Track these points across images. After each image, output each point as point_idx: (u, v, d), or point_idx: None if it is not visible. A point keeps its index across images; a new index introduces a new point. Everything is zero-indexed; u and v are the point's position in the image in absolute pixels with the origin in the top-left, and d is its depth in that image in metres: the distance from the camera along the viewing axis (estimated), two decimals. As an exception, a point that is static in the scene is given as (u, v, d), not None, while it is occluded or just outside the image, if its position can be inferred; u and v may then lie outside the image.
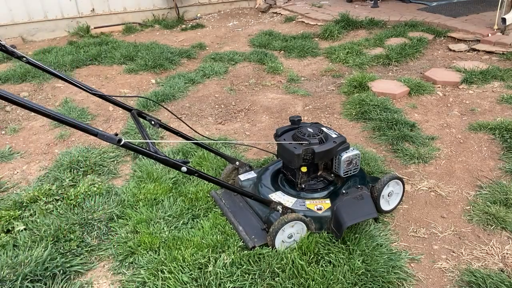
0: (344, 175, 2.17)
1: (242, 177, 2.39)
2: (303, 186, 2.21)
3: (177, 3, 7.12)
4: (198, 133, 2.52)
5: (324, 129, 2.23)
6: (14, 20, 6.13)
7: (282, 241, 1.99)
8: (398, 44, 5.00)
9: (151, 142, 1.78)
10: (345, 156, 2.13)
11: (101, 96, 1.99)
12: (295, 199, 2.15)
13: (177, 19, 7.11)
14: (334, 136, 2.19)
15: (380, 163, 2.78)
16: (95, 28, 6.62)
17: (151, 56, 4.85)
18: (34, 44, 6.16)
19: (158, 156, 1.75)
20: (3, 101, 1.41)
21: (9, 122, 3.61)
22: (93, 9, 6.69)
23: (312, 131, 2.16)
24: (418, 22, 5.70)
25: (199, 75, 4.50)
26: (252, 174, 2.42)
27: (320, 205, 2.10)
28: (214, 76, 4.50)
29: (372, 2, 6.96)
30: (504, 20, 4.95)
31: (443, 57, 4.77)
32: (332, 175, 2.26)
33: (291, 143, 2.12)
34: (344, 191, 2.13)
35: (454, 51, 4.89)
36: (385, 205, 2.29)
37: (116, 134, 1.54)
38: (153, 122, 2.05)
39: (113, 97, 2.05)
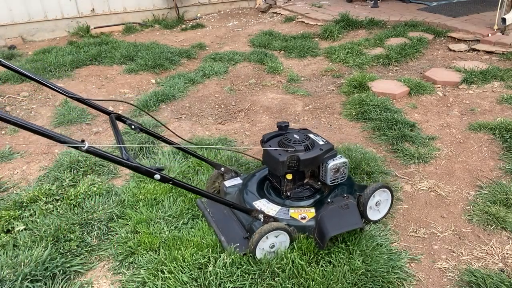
0: (331, 183, 2.13)
1: (228, 183, 2.33)
2: (289, 194, 2.16)
3: (177, 3, 7.12)
4: (182, 138, 2.43)
5: (311, 135, 2.18)
6: (14, 20, 6.13)
7: (263, 248, 1.93)
8: (398, 44, 5.00)
9: (123, 147, 1.69)
10: (331, 164, 2.08)
11: (79, 100, 1.92)
12: (280, 207, 2.10)
13: (177, 19, 7.11)
14: (321, 143, 2.14)
15: (380, 163, 2.78)
16: (95, 28, 6.63)
17: (151, 56, 4.85)
18: (34, 44, 6.16)
19: (129, 163, 1.65)
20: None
21: (9, 122, 3.61)
22: (93, 9, 6.69)
23: (298, 137, 2.12)
24: (418, 22, 5.69)
25: (199, 75, 4.50)
26: (237, 181, 2.35)
27: (305, 214, 2.05)
28: (214, 76, 4.50)
29: (372, 2, 6.96)
30: (504, 20, 4.95)
31: (443, 57, 4.77)
32: (319, 183, 2.21)
33: (276, 149, 2.07)
34: (329, 200, 2.06)
35: (454, 51, 4.89)
36: (374, 215, 2.23)
37: (83, 141, 1.49)
38: (133, 126, 1.99)
39: (92, 101, 1.98)
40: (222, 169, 2.40)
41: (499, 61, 4.47)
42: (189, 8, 7.39)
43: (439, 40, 5.27)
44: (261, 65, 4.81)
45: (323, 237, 1.92)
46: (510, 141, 2.93)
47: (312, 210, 2.08)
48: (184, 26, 6.82)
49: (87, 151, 1.51)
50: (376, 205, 2.20)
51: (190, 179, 2.63)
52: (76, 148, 1.47)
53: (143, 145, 1.80)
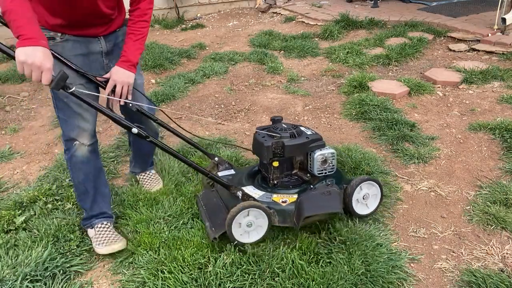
0: (318, 174, 2.14)
1: (221, 173, 2.37)
2: (276, 182, 2.17)
3: (177, 3, 7.12)
4: (176, 123, 2.37)
5: (301, 127, 2.22)
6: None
7: (240, 224, 1.91)
8: (398, 44, 5.00)
9: (110, 98, 1.78)
10: (318, 153, 2.10)
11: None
12: (264, 192, 2.11)
13: (177, 19, 7.11)
14: (308, 133, 2.17)
15: (380, 163, 2.78)
16: (95, 28, 6.62)
17: (151, 56, 4.85)
18: (34, 44, 6.15)
19: (111, 114, 1.71)
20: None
21: (9, 122, 3.61)
22: (93, 9, 6.68)
23: (286, 126, 2.16)
24: (418, 22, 5.70)
25: (199, 75, 4.50)
26: (230, 172, 2.39)
27: (286, 198, 2.07)
28: (214, 76, 4.51)
29: (372, 2, 6.96)
30: (504, 20, 4.95)
31: (443, 57, 4.77)
32: (308, 174, 2.23)
33: (263, 136, 2.12)
34: (312, 186, 2.10)
35: (454, 51, 4.89)
36: (362, 209, 2.20)
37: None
38: (130, 105, 1.99)
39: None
40: (216, 159, 2.41)
41: (499, 61, 4.48)
42: (189, 8, 7.39)
43: (439, 40, 5.27)
44: (261, 65, 4.81)
45: (299, 217, 1.95)
46: (510, 141, 2.93)
47: (295, 196, 2.09)
48: (184, 26, 6.82)
49: (72, 94, 1.55)
50: (363, 198, 2.17)
51: (190, 179, 2.64)
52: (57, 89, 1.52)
53: (125, 100, 1.89)
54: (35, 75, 1.43)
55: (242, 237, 1.97)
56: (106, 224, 2.10)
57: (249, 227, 1.96)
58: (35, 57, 1.40)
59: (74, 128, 1.89)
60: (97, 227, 2.08)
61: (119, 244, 2.03)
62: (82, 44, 1.85)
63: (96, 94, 1.83)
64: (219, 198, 2.23)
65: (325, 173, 2.16)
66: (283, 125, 2.19)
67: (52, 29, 1.78)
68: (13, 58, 1.46)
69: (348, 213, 2.18)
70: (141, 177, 2.60)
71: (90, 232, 2.11)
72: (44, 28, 1.73)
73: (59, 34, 1.78)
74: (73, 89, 1.56)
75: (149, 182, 2.56)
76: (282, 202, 2.04)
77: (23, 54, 1.39)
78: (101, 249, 2.02)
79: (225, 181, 2.10)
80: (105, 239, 2.03)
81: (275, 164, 2.12)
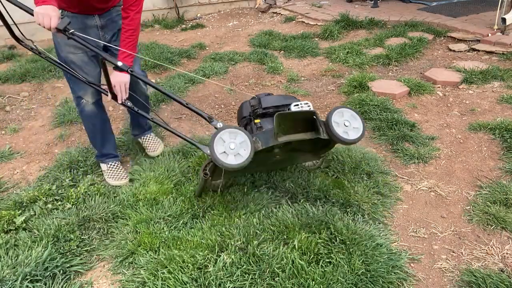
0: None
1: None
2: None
3: (177, 3, 7.12)
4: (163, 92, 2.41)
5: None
6: (14, 20, 6.13)
7: (224, 141, 1.88)
8: (398, 44, 5.00)
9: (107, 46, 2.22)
10: (294, 104, 2.17)
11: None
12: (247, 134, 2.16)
13: (177, 19, 7.10)
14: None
15: (380, 163, 2.78)
16: (95, 28, 6.62)
17: (151, 56, 4.85)
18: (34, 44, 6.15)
19: (104, 55, 2.03)
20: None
21: (9, 122, 3.61)
22: (93, 9, 6.69)
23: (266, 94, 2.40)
24: (418, 22, 5.69)
25: (199, 75, 4.49)
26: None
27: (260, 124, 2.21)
28: (214, 76, 4.50)
29: (372, 2, 6.96)
30: (504, 20, 4.95)
31: (443, 57, 4.77)
32: None
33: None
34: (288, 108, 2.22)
35: (454, 51, 4.89)
36: (343, 134, 2.00)
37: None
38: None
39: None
40: (214, 122, 2.45)
41: (499, 61, 4.48)
42: (189, 8, 7.38)
43: (439, 40, 5.27)
44: (261, 65, 4.81)
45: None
46: (510, 141, 2.93)
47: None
48: (184, 26, 6.82)
49: (71, 34, 1.93)
50: (345, 125, 2.03)
51: (190, 179, 2.64)
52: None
53: (109, 45, 2.35)
54: (46, 21, 1.90)
55: (222, 155, 1.86)
56: (115, 163, 2.72)
57: (232, 149, 1.87)
58: (45, 9, 1.91)
59: (80, 88, 2.39)
60: (109, 164, 2.69)
61: (125, 181, 2.66)
62: (79, 19, 2.25)
63: (92, 38, 2.12)
64: None
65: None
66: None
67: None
68: (32, 14, 1.97)
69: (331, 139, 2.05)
70: (143, 141, 2.97)
71: (103, 166, 2.73)
72: None
73: (59, 11, 2.07)
74: (71, 30, 1.96)
75: (151, 145, 2.93)
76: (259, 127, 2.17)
77: (38, 8, 1.92)
78: (111, 182, 2.66)
79: (205, 113, 2.19)
80: (115, 175, 2.67)
81: (257, 121, 2.23)
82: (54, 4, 1.95)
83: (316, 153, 2.50)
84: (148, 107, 2.31)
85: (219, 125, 2.06)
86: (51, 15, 1.91)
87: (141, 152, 3.01)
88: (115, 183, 2.65)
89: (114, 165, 2.70)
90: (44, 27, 1.92)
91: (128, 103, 2.34)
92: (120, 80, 2.22)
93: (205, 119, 2.14)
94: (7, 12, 2.18)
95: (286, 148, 2.18)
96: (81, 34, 2.00)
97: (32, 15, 1.96)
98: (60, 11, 2.07)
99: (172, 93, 2.25)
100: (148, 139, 2.97)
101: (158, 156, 2.91)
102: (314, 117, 2.04)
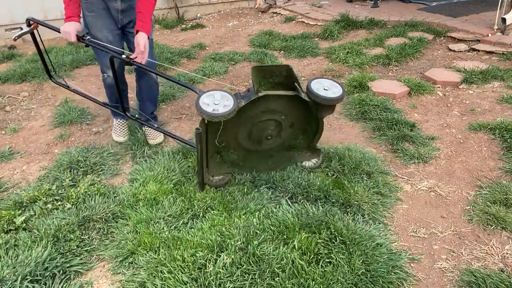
0: None
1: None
2: None
3: (177, 3, 7.12)
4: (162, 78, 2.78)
5: None
6: (14, 20, 6.12)
7: (208, 104, 2.19)
8: (398, 44, 5.00)
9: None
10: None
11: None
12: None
13: (177, 19, 7.10)
14: None
15: (380, 163, 2.78)
16: (95, 28, 6.62)
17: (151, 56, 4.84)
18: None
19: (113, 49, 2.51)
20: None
21: (9, 122, 3.61)
22: (93, 9, 6.69)
23: None
24: (418, 22, 5.70)
25: (199, 75, 4.49)
26: None
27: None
28: (214, 76, 4.50)
29: (372, 2, 6.96)
30: (504, 20, 4.95)
31: (443, 57, 4.77)
32: None
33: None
34: None
35: (454, 51, 4.89)
36: (324, 93, 2.37)
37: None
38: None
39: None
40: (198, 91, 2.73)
41: (499, 61, 4.48)
42: (189, 8, 7.38)
43: (439, 40, 5.27)
44: (261, 65, 4.81)
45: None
46: (510, 141, 2.93)
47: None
48: (184, 26, 6.82)
49: (87, 41, 2.53)
50: (324, 89, 2.39)
51: (190, 179, 2.64)
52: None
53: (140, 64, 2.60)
54: (68, 37, 2.52)
55: (208, 107, 2.16)
56: (123, 122, 3.19)
57: (216, 105, 2.20)
58: (68, 27, 2.52)
59: (103, 65, 2.90)
60: (118, 121, 3.18)
61: (123, 139, 3.16)
62: (103, 2, 2.70)
63: (102, 43, 2.59)
64: None
65: None
66: None
67: None
68: (59, 31, 2.57)
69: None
70: (145, 129, 3.20)
71: (113, 120, 3.23)
72: None
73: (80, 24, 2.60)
74: (88, 38, 2.54)
75: (151, 133, 3.16)
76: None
77: (63, 27, 2.54)
78: (113, 136, 3.20)
79: (191, 86, 2.54)
80: (118, 131, 3.18)
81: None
82: (75, 18, 2.57)
83: (308, 142, 2.64)
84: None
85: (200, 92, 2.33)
86: (71, 32, 2.51)
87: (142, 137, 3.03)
88: (115, 138, 3.16)
89: (121, 123, 3.18)
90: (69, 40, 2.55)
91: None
92: (144, 38, 2.52)
93: (194, 90, 2.44)
94: (45, 50, 2.74)
95: (273, 119, 2.42)
96: (94, 40, 2.58)
97: (59, 32, 2.57)
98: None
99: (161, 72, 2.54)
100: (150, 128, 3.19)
101: (157, 144, 3.12)
102: (295, 84, 2.34)
